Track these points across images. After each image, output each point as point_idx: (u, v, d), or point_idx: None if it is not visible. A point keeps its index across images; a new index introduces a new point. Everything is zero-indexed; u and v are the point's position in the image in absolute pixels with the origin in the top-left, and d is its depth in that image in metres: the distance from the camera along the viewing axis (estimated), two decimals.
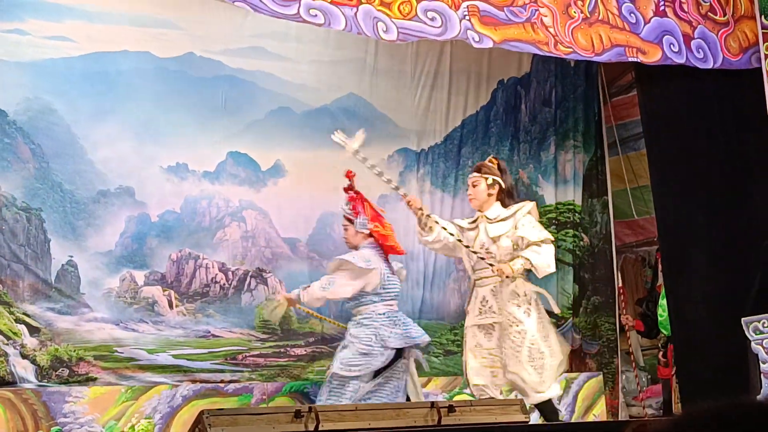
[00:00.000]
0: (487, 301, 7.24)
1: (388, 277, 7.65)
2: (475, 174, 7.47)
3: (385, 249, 7.76)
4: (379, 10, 6.38)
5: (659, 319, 8.83)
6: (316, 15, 6.21)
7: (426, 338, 7.70)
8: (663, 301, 8.62)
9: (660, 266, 9.35)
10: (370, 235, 7.76)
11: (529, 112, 10.07)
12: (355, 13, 6.31)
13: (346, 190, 7.80)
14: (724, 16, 7.64)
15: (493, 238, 7.28)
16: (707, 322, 7.72)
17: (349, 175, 7.76)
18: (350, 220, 7.82)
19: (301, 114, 9.05)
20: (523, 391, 7.00)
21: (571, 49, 6.99)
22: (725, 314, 7.49)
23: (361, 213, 7.76)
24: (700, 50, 7.43)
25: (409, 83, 9.55)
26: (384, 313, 7.56)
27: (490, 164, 7.53)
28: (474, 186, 7.44)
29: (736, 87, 7.76)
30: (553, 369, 7.15)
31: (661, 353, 9.02)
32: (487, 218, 7.34)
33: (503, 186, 7.44)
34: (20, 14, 7.98)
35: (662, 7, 7.35)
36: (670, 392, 9.08)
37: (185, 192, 8.53)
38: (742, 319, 6.92)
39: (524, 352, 7.03)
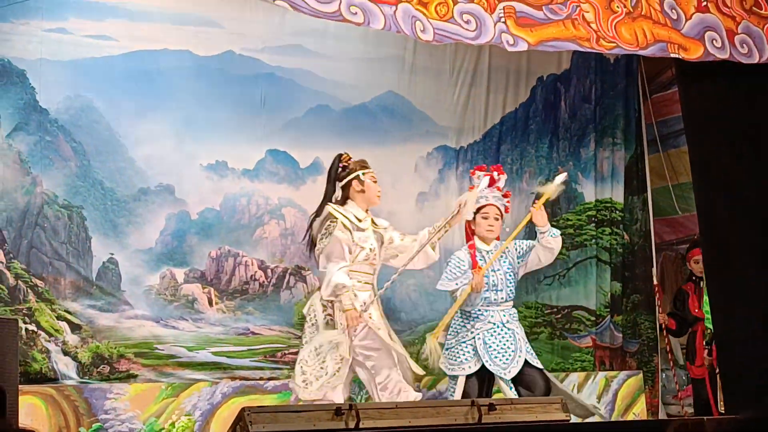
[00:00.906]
0: None
1: None
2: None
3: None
4: (417, 10, 6.36)
5: (705, 315, 8.78)
6: (356, 13, 6.20)
7: None
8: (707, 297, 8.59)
9: (689, 264, 9.32)
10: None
11: (568, 109, 10.03)
12: (395, 12, 6.29)
13: (496, 184, 7.50)
14: None
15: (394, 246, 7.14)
16: (750, 320, 7.65)
17: (501, 170, 7.55)
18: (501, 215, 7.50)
19: (339, 112, 9.06)
20: None
21: (614, 44, 6.93)
22: None
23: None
24: (744, 45, 7.35)
25: (448, 80, 9.53)
26: None
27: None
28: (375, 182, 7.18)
29: None
30: None
31: (705, 351, 8.98)
32: (374, 223, 7.11)
33: None
34: (63, 14, 8.04)
35: (704, 3, 7.28)
36: (705, 391, 9.03)
37: (225, 190, 8.56)
38: None
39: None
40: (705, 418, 6.63)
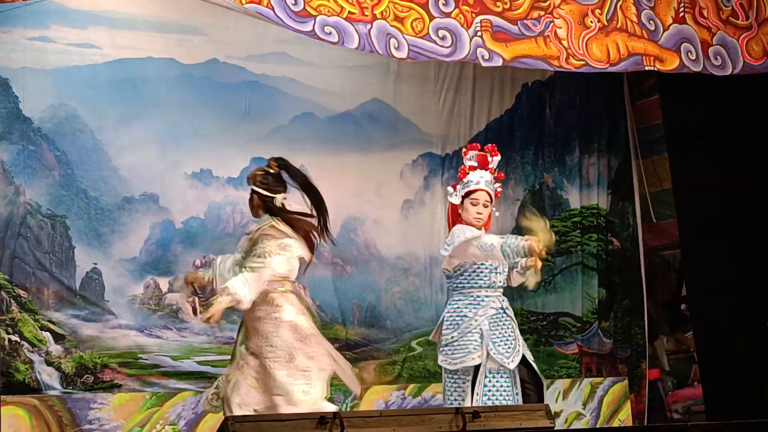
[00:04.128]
0: None
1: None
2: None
3: None
4: (392, 26, 6.40)
5: None
6: (330, 33, 6.25)
7: None
8: None
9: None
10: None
11: (553, 116, 10.03)
12: (369, 30, 6.34)
13: (491, 170, 6.96)
14: (747, 20, 7.60)
15: None
16: (730, 325, 7.69)
17: (495, 151, 6.99)
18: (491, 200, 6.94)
19: (325, 119, 9.05)
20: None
21: (583, 62, 6.96)
22: (749, 317, 7.46)
23: None
24: (718, 57, 7.39)
25: (433, 87, 9.53)
26: None
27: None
28: None
29: (759, 91, 7.71)
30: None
31: None
32: None
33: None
34: (45, 21, 8.01)
35: (681, 14, 7.31)
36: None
37: (209, 198, 8.54)
38: (767, 322, 6.88)
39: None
40: (689, 423, 6.63)
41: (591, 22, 7.05)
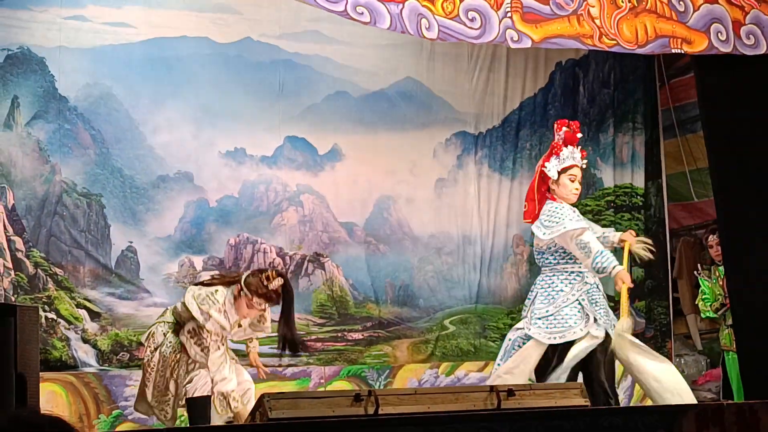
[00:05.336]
0: None
1: None
2: None
3: None
4: (424, 6, 6.36)
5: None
6: (362, 13, 6.22)
7: None
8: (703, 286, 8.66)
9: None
10: None
11: (587, 94, 9.99)
12: (401, 10, 6.30)
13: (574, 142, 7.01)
14: None
15: None
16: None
17: (577, 128, 7.05)
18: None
19: (358, 98, 9.05)
20: None
21: (615, 42, 6.91)
22: None
23: None
24: (750, 36, 7.31)
25: (467, 66, 9.51)
26: None
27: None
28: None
29: None
30: None
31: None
32: None
33: None
34: (81, 1, 8.06)
35: None
36: None
37: (243, 177, 8.57)
38: None
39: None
40: (725, 402, 6.60)
41: (622, 2, 6.99)
